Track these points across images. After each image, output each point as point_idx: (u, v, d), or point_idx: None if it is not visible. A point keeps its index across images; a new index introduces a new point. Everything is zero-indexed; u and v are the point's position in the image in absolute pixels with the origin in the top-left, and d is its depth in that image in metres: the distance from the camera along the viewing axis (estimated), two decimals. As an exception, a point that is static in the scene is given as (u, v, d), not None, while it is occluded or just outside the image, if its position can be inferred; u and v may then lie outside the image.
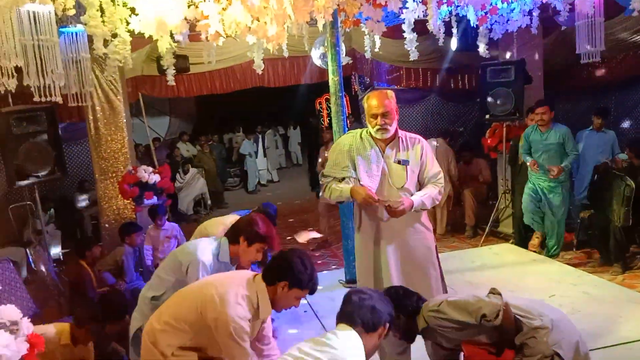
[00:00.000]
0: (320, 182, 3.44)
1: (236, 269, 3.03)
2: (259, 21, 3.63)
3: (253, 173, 12.46)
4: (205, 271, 2.88)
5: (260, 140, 13.32)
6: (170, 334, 2.43)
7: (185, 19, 3.83)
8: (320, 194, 3.52)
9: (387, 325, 2.22)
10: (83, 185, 8.45)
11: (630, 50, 7.19)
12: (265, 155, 13.30)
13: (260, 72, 5.22)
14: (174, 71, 5.43)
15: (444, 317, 2.56)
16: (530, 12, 5.46)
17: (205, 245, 2.99)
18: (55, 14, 3.29)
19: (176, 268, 2.98)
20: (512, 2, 5.12)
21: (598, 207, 5.60)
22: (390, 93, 3.27)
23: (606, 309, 4.36)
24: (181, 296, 2.55)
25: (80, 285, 4.85)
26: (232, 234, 2.99)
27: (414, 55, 5.24)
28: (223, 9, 3.63)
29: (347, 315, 2.18)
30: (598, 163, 5.95)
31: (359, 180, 3.19)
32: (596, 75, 7.99)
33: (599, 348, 3.68)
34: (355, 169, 3.22)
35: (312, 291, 2.49)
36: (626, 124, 8.30)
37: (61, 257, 7.15)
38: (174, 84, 5.56)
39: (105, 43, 3.80)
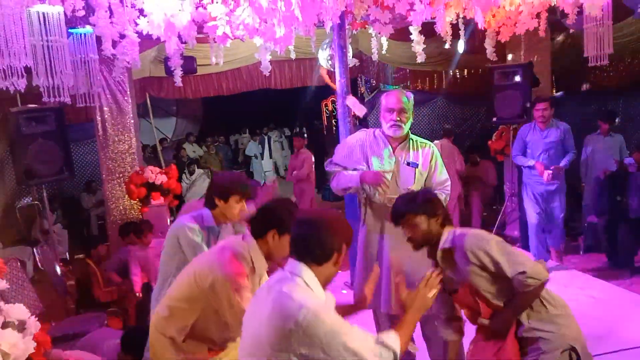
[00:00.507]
0: (327, 169, 3.46)
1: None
2: (266, 23, 3.65)
3: (259, 174, 12.48)
4: (195, 234, 2.84)
5: (266, 141, 13.35)
6: (176, 318, 2.40)
7: (193, 20, 3.86)
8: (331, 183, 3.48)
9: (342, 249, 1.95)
10: (90, 186, 8.49)
11: (638, 54, 7.16)
12: (271, 157, 13.33)
13: (267, 74, 5.22)
14: (182, 72, 5.45)
15: (485, 248, 2.39)
16: (538, 15, 5.44)
17: (186, 215, 2.99)
18: (65, 15, 3.31)
19: (175, 248, 2.92)
20: (520, 5, 5.09)
21: (609, 212, 5.56)
22: (410, 95, 3.31)
23: (612, 313, 4.34)
24: (179, 277, 2.52)
25: (87, 284, 4.89)
26: (208, 200, 2.93)
27: (421, 58, 5.23)
28: (231, 10, 3.65)
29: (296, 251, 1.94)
30: (606, 167, 5.91)
31: None
32: (604, 79, 7.96)
33: (604, 353, 3.66)
34: (367, 164, 3.24)
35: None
36: (633, 128, 8.25)
37: (67, 256, 7.19)
38: (181, 85, 5.57)
39: (114, 44, 3.82)
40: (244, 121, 14.38)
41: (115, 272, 5.46)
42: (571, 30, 6.24)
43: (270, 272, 2.28)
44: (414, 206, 2.50)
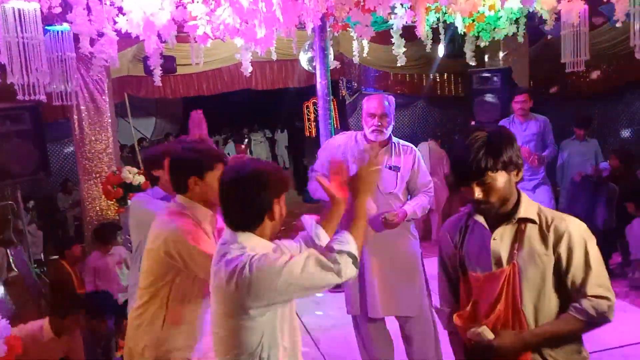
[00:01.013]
0: (309, 175, 3.44)
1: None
2: (247, 23, 3.63)
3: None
4: (150, 204, 2.72)
5: (246, 142, 13.33)
6: (152, 302, 2.27)
7: (173, 19, 3.82)
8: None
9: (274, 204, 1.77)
10: (66, 186, 8.35)
11: (614, 61, 7.30)
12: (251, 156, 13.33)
13: (248, 75, 5.20)
14: (161, 72, 5.39)
15: (587, 243, 1.74)
16: (517, 21, 5.52)
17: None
18: (41, 12, 3.25)
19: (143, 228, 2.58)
20: (499, 10, 5.16)
21: (581, 215, 5.65)
22: (391, 99, 3.30)
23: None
24: (141, 268, 2.40)
25: (61, 285, 4.80)
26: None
27: (401, 61, 5.27)
28: (212, 10, 3.62)
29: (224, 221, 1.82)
30: (583, 171, 6.01)
31: None
32: (580, 85, 8.10)
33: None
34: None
35: (224, 162, 2.25)
36: (608, 133, 8.41)
37: (42, 257, 7.05)
38: (161, 84, 5.51)
39: (92, 42, 3.76)
40: (225, 122, 14.31)
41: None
42: (549, 37, 6.33)
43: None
44: (496, 160, 1.69)
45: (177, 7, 3.71)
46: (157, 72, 5.26)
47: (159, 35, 3.99)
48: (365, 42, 5.90)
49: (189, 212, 2.22)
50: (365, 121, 3.26)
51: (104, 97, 5.95)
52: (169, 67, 5.81)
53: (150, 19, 3.53)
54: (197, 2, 3.58)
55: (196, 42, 4.16)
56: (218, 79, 7.74)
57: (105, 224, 5.37)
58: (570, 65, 4.96)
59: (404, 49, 5.19)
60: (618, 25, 4.27)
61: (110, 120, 6.03)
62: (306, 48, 5.92)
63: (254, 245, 1.72)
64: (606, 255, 5.34)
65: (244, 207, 1.74)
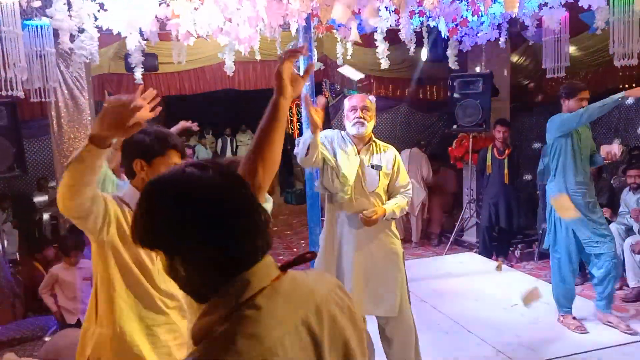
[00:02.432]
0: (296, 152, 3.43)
1: None
2: (231, 22, 3.60)
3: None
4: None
5: (228, 142, 13.23)
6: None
7: (156, 17, 3.78)
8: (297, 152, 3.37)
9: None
10: (41, 184, 8.20)
11: (592, 68, 7.42)
12: (233, 159, 13.26)
13: (230, 74, 5.17)
14: (142, 69, 5.33)
15: None
16: (499, 26, 5.58)
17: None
18: (20, 6, 3.19)
19: None
20: (482, 16, 5.21)
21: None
22: (373, 98, 3.35)
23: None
24: None
25: (34, 287, 4.68)
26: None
27: (385, 64, 5.29)
28: (195, 8, 3.59)
29: None
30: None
31: (339, 168, 3.18)
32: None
33: (558, 357, 3.76)
34: (335, 156, 3.23)
35: (179, 150, 2.06)
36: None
37: (17, 257, 6.91)
38: (142, 82, 5.44)
39: (72, 38, 3.70)
40: (207, 122, 14.16)
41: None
42: (530, 43, 6.41)
43: None
44: None
45: (160, 4, 3.68)
46: (139, 70, 5.21)
47: (141, 33, 3.94)
48: (348, 45, 5.91)
49: (126, 199, 2.03)
50: (347, 117, 3.27)
51: (83, 95, 5.84)
52: (150, 65, 5.75)
53: (132, 15, 3.49)
54: (181, -1, 3.54)
55: (179, 40, 4.12)
56: (200, 78, 7.68)
57: (70, 233, 4.73)
58: (550, 71, 5.04)
59: (388, 52, 5.20)
60: (598, 32, 4.35)
61: (90, 119, 5.93)
62: (290, 48, 5.91)
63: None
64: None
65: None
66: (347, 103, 3.30)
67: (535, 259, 6.25)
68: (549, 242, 4.42)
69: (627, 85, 7.26)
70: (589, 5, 4.09)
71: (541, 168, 6.64)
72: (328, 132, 3.40)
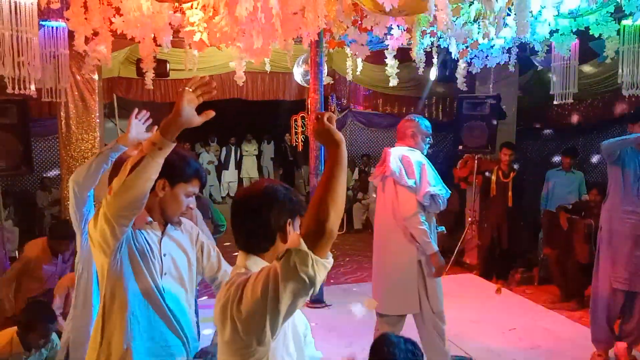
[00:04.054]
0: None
1: None
2: (244, 33, 3.63)
3: (215, 188, 12.72)
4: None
5: (232, 151, 13.26)
6: None
7: (170, 24, 3.81)
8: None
9: None
10: (44, 183, 8.22)
11: (599, 95, 7.44)
12: (237, 167, 13.25)
13: (241, 84, 5.20)
14: (153, 75, 5.37)
15: None
16: (509, 50, 5.62)
17: None
18: (38, 6, 3.23)
19: None
20: (492, 39, 5.24)
21: (559, 246, 5.73)
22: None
23: (564, 346, 4.43)
24: None
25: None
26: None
27: (393, 82, 5.31)
28: (210, 17, 3.62)
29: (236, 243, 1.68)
30: (567, 201, 6.09)
31: None
32: (566, 117, 8.23)
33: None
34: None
35: (202, 182, 2.05)
36: (592, 167, 8.54)
37: (17, 254, 6.91)
38: (152, 87, 5.48)
39: (86, 41, 3.73)
40: (212, 130, 14.22)
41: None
42: (539, 68, 6.44)
43: None
44: None
45: (174, 12, 3.71)
46: (149, 75, 5.24)
47: (154, 39, 3.98)
48: (359, 61, 5.94)
49: (145, 217, 2.01)
50: (423, 140, 3.60)
51: (93, 97, 5.88)
52: (161, 70, 5.79)
53: (146, 21, 3.52)
54: (195, 8, 3.57)
55: (191, 48, 4.16)
56: (210, 86, 7.72)
57: (58, 223, 4.51)
58: (558, 97, 5.06)
59: (397, 70, 5.23)
60: (607, 61, 4.37)
61: (98, 121, 5.97)
62: (300, 62, 5.95)
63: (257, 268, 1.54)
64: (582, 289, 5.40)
65: (253, 226, 1.61)
66: (423, 127, 3.60)
67: (536, 283, 6.22)
68: None
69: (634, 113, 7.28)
70: (600, 34, 4.12)
71: (545, 192, 6.65)
72: (420, 156, 3.58)
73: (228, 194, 12.82)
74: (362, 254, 7.58)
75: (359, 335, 4.37)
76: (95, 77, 5.80)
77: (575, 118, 8.02)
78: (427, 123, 3.64)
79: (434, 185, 3.43)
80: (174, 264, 2.05)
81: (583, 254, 5.33)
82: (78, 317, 2.82)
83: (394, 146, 3.64)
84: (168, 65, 6.10)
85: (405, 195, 3.43)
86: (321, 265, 1.37)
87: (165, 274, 2.00)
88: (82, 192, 2.52)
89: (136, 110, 2.31)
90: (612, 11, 3.96)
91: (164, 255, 2.01)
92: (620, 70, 4.32)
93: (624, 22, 4.13)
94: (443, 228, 3.71)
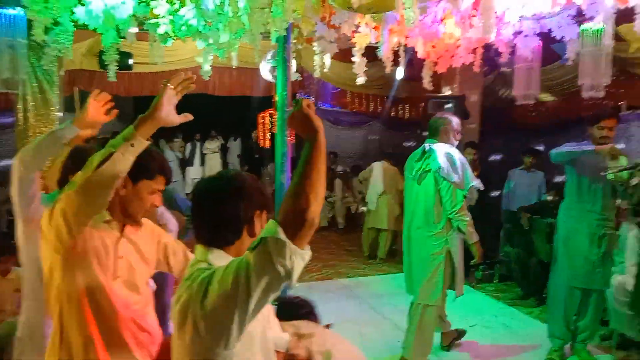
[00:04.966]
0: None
1: None
2: (210, 27, 3.58)
3: (179, 183, 12.55)
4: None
5: (197, 148, 13.10)
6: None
7: (135, 15, 3.73)
8: None
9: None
10: None
11: (561, 97, 7.64)
12: (202, 164, 13.09)
13: (207, 79, 5.12)
14: (116, 68, 5.24)
15: None
16: (474, 51, 5.69)
17: None
18: (-6, -7, 3.10)
19: None
20: (458, 39, 5.31)
21: (520, 244, 5.86)
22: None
23: (524, 342, 4.53)
24: None
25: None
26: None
27: (361, 80, 5.32)
28: (175, 10, 3.56)
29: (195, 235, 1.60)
30: (528, 201, 6.23)
31: None
32: (529, 117, 8.43)
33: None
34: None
35: (167, 179, 1.97)
36: (551, 167, 8.77)
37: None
38: (115, 80, 5.35)
39: (46, 30, 3.61)
40: (177, 126, 14.01)
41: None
42: (502, 69, 6.57)
43: None
44: None
45: (139, 3, 3.63)
46: (112, 68, 5.12)
47: (117, 30, 3.88)
48: (327, 58, 5.93)
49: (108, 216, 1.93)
50: (455, 136, 3.97)
51: (53, 89, 5.70)
52: (125, 63, 5.66)
53: (110, 12, 3.43)
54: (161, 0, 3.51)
55: (156, 40, 4.07)
56: (175, 80, 7.59)
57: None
58: (521, 97, 5.16)
59: (365, 68, 5.24)
60: (569, 63, 4.48)
61: (58, 114, 5.79)
62: (268, 57, 5.90)
63: (221, 263, 1.45)
64: (541, 287, 5.54)
65: (219, 217, 1.51)
66: (455, 123, 3.95)
67: (497, 280, 6.35)
68: None
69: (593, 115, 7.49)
70: (562, 37, 4.22)
71: (506, 191, 6.79)
72: (458, 152, 3.87)
73: (192, 191, 12.72)
74: (328, 252, 7.60)
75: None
76: (55, 69, 5.62)
77: (537, 119, 8.22)
78: (457, 120, 4.01)
79: (474, 179, 3.81)
80: (129, 268, 1.94)
81: (544, 253, 5.46)
82: (30, 308, 2.60)
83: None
84: (132, 58, 5.97)
85: (451, 190, 3.70)
86: (299, 257, 1.28)
87: (118, 278, 1.90)
88: (28, 173, 2.33)
89: (96, 91, 2.18)
90: (574, 14, 4.06)
91: (120, 257, 1.91)
92: (580, 73, 4.43)
93: (584, 25, 4.24)
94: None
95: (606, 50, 4.22)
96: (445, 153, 3.77)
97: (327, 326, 1.96)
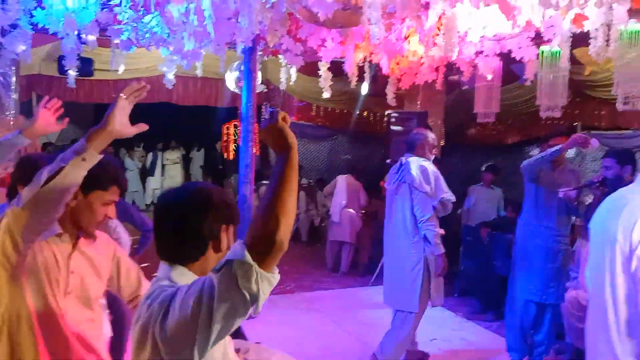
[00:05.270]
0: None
1: None
2: (175, 35, 3.54)
3: (139, 194, 12.35)
4: None
5: (159, 158, 12.91)
6: None
7: (97, 21, 3.66)
8: None
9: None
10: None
11: (519, 116, 7.88)
12: (163, 174, 12.90)
13: (170, 87, 5.06)
14: (76, 74, 5.13)
15: None
16: (437, 69, 5.81)
17: None
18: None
19: None
20: (422, 57, 5.42)
21: (480, 259, 5.96)
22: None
23: (483, 356, 4.59)
24: None
25: None
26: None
27: (327, 94, 5.36)
28: (139, 17, 3.51)
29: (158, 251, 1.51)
30: (487, 216, 6.35)
31: None
32: (488, 136, 8.64)
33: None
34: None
35: (121, 189, 1.86)
36: (510, 184, 9.00)
37: None
38: (75, 87, 5.22)
39: (3, 32, 3.50)
40: (137, 135, 13.77)
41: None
42: (463, 87, 6.72)
43: None
44: None
45: (102, 8, 3.57)
46: (72, 74, 5.00)
47: (79, 35, 3.80)
48: (293, 71, 5.95)
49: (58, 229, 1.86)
50: (431, 151, 4.09)
51: (9, 93, 5.53)
52: (85, 69, 5.54)
53: (71, 16, 3.35)
54: (125, 6, 3.45)
55: (118, 47, 4.00)
56: (137, 89, 7.48)
57: None
58: (481, 115, 5.29)
59: (330, 82, 5.29)
60: (527, 84, 4.62)
61: (13, 119, 5.61)
62: (233, 68, 5.88)
63: (189, 283, 1.34)
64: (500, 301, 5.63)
65: (182, 233, 1.42)
66: (431, 138, 4.07)
67: (456, 294, 6.43)
68: None
69: (549, 134, 7.74)
70: (521, 58, 4.35)
71: (466, 207, 6.91)
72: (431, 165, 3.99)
73: (152, 202, 12.45)
74: (289, 264, 7.55)
75: (285, 347, 4.32)
76: (12, 72, 5.46)
77: (496, 137, 8.43)
78: (434, 135, 4.18)
79: (446, 191, 3.91)
80: (81, 283, 1.85)
81: (503, 268, 5.56)
82: None
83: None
84: (93, 64, 5.85)
85: (422, 201, 3.83)
86: (266, 281, 1.22)
87: (69, 294, 1.81)
88: None
89: (46, 98, 2.08)
90: (533, 36, 4.20)
91: (72, 272, 1.82)
92: (538, 93, 4.58)
93: (542, 47, 4.39)
94: (442, 231, 4.03)
95: (563, 72, 4.39)
96: (419, 166, 3.92)
97: (257, 343, 1.95)
